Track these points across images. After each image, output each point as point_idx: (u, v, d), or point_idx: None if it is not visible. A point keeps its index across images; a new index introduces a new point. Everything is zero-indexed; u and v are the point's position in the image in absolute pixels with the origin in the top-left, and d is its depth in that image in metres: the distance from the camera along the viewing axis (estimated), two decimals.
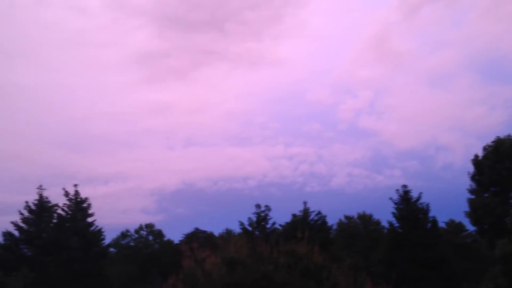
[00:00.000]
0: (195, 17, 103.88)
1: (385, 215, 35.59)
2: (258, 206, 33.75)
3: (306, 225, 31.94)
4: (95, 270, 30.08)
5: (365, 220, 44.74)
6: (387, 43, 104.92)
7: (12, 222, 29.93)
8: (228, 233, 51.85)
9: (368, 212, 45.26)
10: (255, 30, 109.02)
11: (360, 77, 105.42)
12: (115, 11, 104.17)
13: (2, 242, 30.12)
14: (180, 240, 51.09)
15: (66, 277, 28.18)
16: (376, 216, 45.16)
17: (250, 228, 33.20)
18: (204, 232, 54.18)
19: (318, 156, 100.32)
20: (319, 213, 35.60)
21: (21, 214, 30.29)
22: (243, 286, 15.90)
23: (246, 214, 34.18)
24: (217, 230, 54.57)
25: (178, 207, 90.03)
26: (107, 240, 34.79)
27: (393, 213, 33.10)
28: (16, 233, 30.03)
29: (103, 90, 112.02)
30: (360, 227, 44.36)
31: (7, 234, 29.93)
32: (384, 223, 39.34)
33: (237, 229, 36.72)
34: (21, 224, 30.11)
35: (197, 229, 54.77)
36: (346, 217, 44.92)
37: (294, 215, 35.77)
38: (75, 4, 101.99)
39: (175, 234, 72.34)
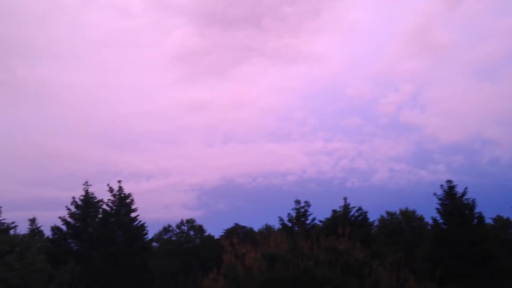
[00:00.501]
0: (234, 14, 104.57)
1: (428, 211, 34.64)
2: (297, 201, 33.56)
3: (347, 221, 31.49)
4: (139, 263, 30.80)
5: (408, 216, 43.77)
6: (430, 34, 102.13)
7: (60, 217, 31.02)
8: (268, 228, 51.97)
9: (410, 208, 44.30)
10: (293, 26, 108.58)
11: (401, 70, 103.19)
12: (156, 11, 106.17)
13: (51, 237, 31.25)
14: (220, 236, 51.58)
15: (111, 270, 29.02)
16: (419, 212, 44.16)
17: (289, 224, 33.08)
18: (244, 227, 54.50)
19: (358, 151, 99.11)
20: (360, 209, 35.03)
21: (68, 209, 31.32)
22: (283, 282, 15.89)
23: (286, 210, 34.09)
24: (256, 226, 54.84)
25: (218, 203, 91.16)
26: (150, 235, 35.52)
27: (437, 209, 32.18)
28: (64, 227, 31.06)
29: (145, 88, 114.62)
30: (402, 223, 43.46)
31: (56, 229, 31.01)
32: (428, 219, 38.40)
33: (276, 224, 36.78)
34: (69, 219, 31.14)
35: (237, 224, 55.18)
36: (388, 213, 44.09)
37: (334, 211, 35.36)
38: (119, 5, 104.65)
39: (215, 229, 73.19)
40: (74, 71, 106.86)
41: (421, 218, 43.42)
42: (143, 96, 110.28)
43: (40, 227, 34.00)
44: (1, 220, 27.62)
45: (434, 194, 32.22)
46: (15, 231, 28.38)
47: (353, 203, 35.29)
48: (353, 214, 34.85)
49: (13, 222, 28.66)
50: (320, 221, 35.14)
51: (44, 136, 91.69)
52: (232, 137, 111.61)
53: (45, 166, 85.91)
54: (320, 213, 36.46)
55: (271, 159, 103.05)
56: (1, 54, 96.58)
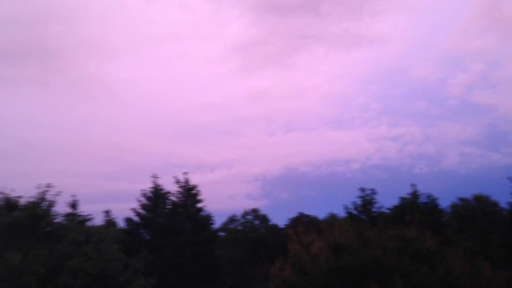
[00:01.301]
0: (290, 2, 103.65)
1: (503, 196, 32.78)
2: (362, 189, 32.81)
3: (416, 208, 30.48)
4: (207, 252, 31.64)
5: (482, 201, 41.59)
6: (500, 9, 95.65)
7: (131, 209, 32.48)
8: (332, 217, 51.36)
9: (484, 193, 42.03)
10: (353, 9, 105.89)
11: (470, 48, 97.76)
12: (213, 4, 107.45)
13: (124, 227, 32.78)
14: (285, 225, 51.84)
15: (181, 259, 30.04)
16: (493, 197, 41.82)
17: (355, 212, 32.51)
18: (308, 216, 54.33)
19: (425, 135, 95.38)
20: (429, 195, 33.76)
21: (139, 201, 32.68)
22: (349, 271, 15.68)
23: (350, 198, 33.49)
24: (321, 214, 54.59)
25: (281, 192, 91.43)
26: (216, 225, 36.29)
27: None
28: (136, 218, 32.46)
29: (205, 81, 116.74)
30: (476, 209, 41.38)
31: (128, 220, 32.48)
32: (503, 205, 36.32)
33: (341, 213, 36.23)
34: (140, 211, 32.48)
35: (301, 213, 55.12)
36: (461, 199, 42.13)
37: (402, 198, 34.28)
38: (178, 0, 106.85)
39: (279, 218, 73.58)
40: (137, 67, 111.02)
41: (496, 204, 41.13)
42: (203, 89, 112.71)
43: (114, 218, 35.81)
44: (79, 212, 29.30)
45: (508, 178, 30.44)
46: (91, 222, 30.05)
47: (422, 189, 34.05)
48: (422, 201, 33.65)
49: (89, 214, 30.35)
50: (388, 208, 34.24)
51: (114, 132, 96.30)
52: (293, 126, 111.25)
53: (116, 160, 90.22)
54: (386, 200, 35.47)
55: (334, 147, 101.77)
56: (70, 54, 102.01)
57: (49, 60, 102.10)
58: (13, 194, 22.45)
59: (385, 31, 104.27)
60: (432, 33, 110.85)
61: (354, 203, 32.74)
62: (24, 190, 22.64)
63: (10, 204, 21.94)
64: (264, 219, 52.97)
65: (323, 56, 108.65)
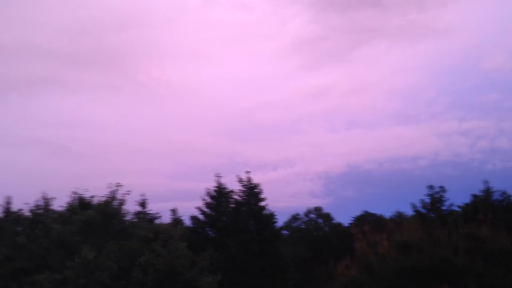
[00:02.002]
0: None
1: None
2: (431, 187, 31.42)
3: (489, 206, 28.77)
4: (271, 250, 31.79)
5: None
6: None
7: (197, 207, 33.29)
8: (399, 216, 49.84)
9: None
10: (417, 0, 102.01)
11: None
12: (272, 2, 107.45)
13: (190, 225, 33.63)
14: (349, 223, 50.92)
15: (245, 256, 30.38)
16: None
17: (423, 211, 31.33)
18: (373, 215, 53.08)
19: (499, 129, 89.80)
20: (504, 192, 31.79)
21: (204, 200, 33.42)
22: (418, 271, 15.14)
23: (418, 196, 32.23)
24: (387, 213, 53.01)
25: (345, 190, 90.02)
26: (279, 223, 36.34)
27: None
28: (201, 217, 33.22)
29: (264, 80, 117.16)
30: None
31: (194, 218, 33.30)
32: None
33: (408, 211, 35.02)
34: (204, 209, 33.21)
35: (366, 212, 53.96)
36: None
37: (474, 196, 32.54)
38: (237, 1, 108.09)
39: (343, 217, 72.38)
40: (200, 68, 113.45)
41: None
42: (264, 87, 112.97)
43: (180, 216, 36.85)
44: (147, 210, 30.39)
45: None
46: (159, 220, 31.09)
47: (496, 186, 32.16)
48: (496, 198, 31.80)
49: (157, 212, 31.43)
50: (458, 206, 32.67)
51: (179, 132, 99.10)
52: (356, 122, 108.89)
53: (181, 160, 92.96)
54: (457, 198, 33.78)
55: (399, 143, 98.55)
56: (138, 59, 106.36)
57: (119, 66, 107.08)
58: (87, 194, 23.75)
59: (452, 21, 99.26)
60: (505, 21, 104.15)
61: (422, 201, 31.49)
62: (97, 190, 23.86)
63: (84, 203, 23.19)
64: (327, 217, 52.38)
65: (387, 50, 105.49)
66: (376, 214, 53.31)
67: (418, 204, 31.63)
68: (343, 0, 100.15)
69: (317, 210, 52.78)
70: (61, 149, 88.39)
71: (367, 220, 45.43)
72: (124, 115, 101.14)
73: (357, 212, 54.68)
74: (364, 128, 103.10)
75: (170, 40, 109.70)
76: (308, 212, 52.78)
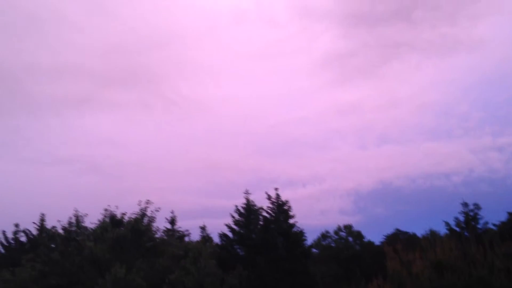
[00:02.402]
0: (380, 11, 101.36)
1: None
2: (465, 204, 30.77)
3: None
4: (301, 269, 31.37)
5: None
6: None
7: (226, 225, 33.25)
8: (433, 234, 48.43)
9: None
10: (448, 14, 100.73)
11: None
12: (302, 19, 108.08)
13: (219, 243, 33.60)
14: (380, 242, 49.93)
15: (275, 275, 30.07)
16: None
17: (457, 229, 30.48)
18: (406, 233, 51.88)
19: None
20: None
21: (233, 217, 33.38)
22: None
23: (452, 214, 31.50)
24: (419, 231, 51.53)
25: (375, 207, 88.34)
26: (309, 241, 35.92)
27: None
28: (230, 234, 33.16)
29: (294, 96, 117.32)
30: None
31: (223, 236, 33.27)
32: None
33: (442, 229, 34.14)
34: (234, 226, 33.15)
35: (397, 230, 52.82)
36: None
37: (510, 213, 31.57)
38: (266, 18, 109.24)
39: (374, 235, 70.80)
40: (230, 85, 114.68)
41: None
42: (293, 104, 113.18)
43: (209, 234, 36.90)
44: (177, 228, 30.60)
45: None
46: (189, 238, 31.25)
47: None
48: None
49: (187, 230, 31.59)
50: (494, 224, 31.65)
51: (208, 149, 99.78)
52: (387, 138, 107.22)
53: (210, 177, 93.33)
54: (493, 216, 32.73)
55: (431, 159, 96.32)
56: (168, 77, 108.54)
57: (150, 84, 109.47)
58: (118, 211, 24.15)
59: (485, 34, 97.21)
60: None
61: (456, 219, 30.75)
62: (128, 207, 24.25)
63: (116, 221, 23.56)
64: (358, 235, 51.46)
65: (417, 65, 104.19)
66: (408, 232, 52.11)
67: (452, 222, 30.90)
68: (373, 15, 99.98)
69: (347, 228, 51.95)
70: (93, 167, 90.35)
71: (399, 238, 44.49)
72: (155, 132, 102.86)
73: (389, 230, 53.58)
74: (395, 144, 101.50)
75: (201, 57, 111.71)
76: (338, 230, 52.01)
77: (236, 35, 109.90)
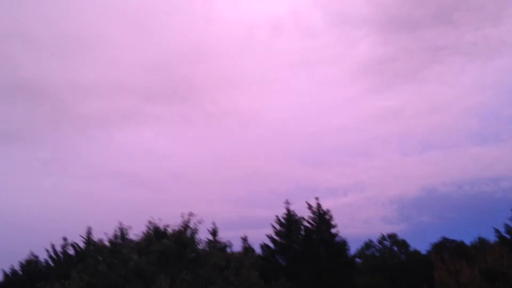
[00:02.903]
0: (420, 14, 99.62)
1: None
2: None
3: None
4: (344, 279, 30.83)
5: None
6: None
7: (267, 235, 33.21)
8: (482, 242, 46.73)
9: None
10: (491, 15, 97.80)
11: None
12: (338, 27, 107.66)
13: (261, 254, 33.54)
14: (427, 251, 48.61)
15: (318, 286, 29.70)
16: None
17: (508, 236, 29.20)
18: (453, 241, 50.25)
19: None
20: None
21: (273, 227, 33.30)
22: None
23: (501, 220, 30.18)
24: (467, 239, 49.86)
25: (420, 215, 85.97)
26: (352, 250, 35.35)
27: None
28: (271, 245, 33.07)
29: (332, 104, 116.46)
30: None
31: (264, 246, 33.23)
32: None
33: (492, 237, 32.80)
34: (275, 237, 33.06)
35: (444, 238, 51.25)
36: None
37: None
38: (303, 27, 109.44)
39: (420, 244, 68.76)
40: (269, 95, 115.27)
41: None
42: (333, 111, 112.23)
43: (251, 244, 36.90)
44: (219, 239, 30.74)
45: None
46: (230, 249, 31.33)
47: None
48: None
49: (228, 241, 31.68)
50: None
51: (248, 159, 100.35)
52: (430, 144, 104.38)
53: (251, 187, 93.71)
54: None
55: (478, 164, 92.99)
56: (207, 90, 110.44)
57: (191, 97, 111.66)
58: (161, 223, 24.58)
59: None
60: None
61: (507, 226, 29.49)
62: (171, 218, 24.64)
63: (159, 233, 23.97)
64: (403, 244, 50.27)
65: (460, 68, 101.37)
66: (456, 240, 50.48)
67: (502, 229, 29.63)
68: (412, 20, 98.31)
69: (392, 237, 50.87)
70: (137, 180, 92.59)
71: (446, 247, 43.12)
72: (195, 144, 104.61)
73: (435, 239, 52.05)
74: (440, 149, 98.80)
75: (239, 70, 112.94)
76: (382, 239, 51.00)
77: (273, 46, 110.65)
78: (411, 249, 50.01)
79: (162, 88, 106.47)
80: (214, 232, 29.76)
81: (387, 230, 66.45)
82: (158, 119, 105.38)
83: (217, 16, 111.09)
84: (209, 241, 28.89)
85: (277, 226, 33.28)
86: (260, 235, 34.09)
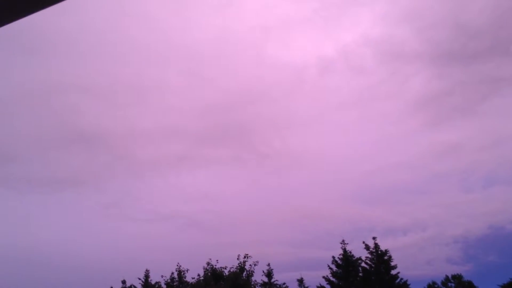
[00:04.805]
0: (475, 47, 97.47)
1: None
2: None
3: None
4: None
5: None
6: None
7: (323, 277, 32.46)
8: None
9: None
10: None
11: None
12: (390, 64, 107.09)
13: None
14: None
15: None
16: None
17: None
18: None
19: None
20: None
21: (330, 268, 32.56)
22: None
23: None
24: None
25: (488, 255, 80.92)
26: None
27: None
28: (328, 287, 32.27)
29: (389, 140, 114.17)
30: None
31: None
32: None
33: None
34: (331, 278, 32.27)
35: None
36: None
37: None
38: (354, 66, 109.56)
39: (488, 285, 64.48)
40: (322, 135, 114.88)
41: None
42: (388, 149, 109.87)
43: (307, 286, 36.17)
44: (274, 281, 30.45)
45: None
46: None
47: None
48: None
49: (284, 283, 31.29)
50: None
51: (302, 199, 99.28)
52: (494, 179, 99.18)
53: (306, 227, 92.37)
54: None
55: None
56: (260, 131, 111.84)
57: (243, 139, 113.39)
58: (218, 265, 24.79)
59: None
60: None
61: None
62: (226, 261, 24.80)
63: (216, 275, 24.13)
64: (469, 286, 47.43)
65: None
66: None
67: None
68: (468, 52, 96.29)
69: (457, 278, 48.18)
70: (192, 223, 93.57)
71: None
72: (249, 186, 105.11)
73: (504, 280, 48.62)
74: (506, 184, 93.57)
75: (290, 110, 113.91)
76: (446, 280, 48.41)
77: (324, 86, 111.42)
78: None
79: (215, 131, 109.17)
80: (269, 274, 29.57)
81: (451, 271, 63.01)
82: (212, 161, 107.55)
83: (267, 57, 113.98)
84: (264, 283, 28.69)
85: (334, 267, 32.54)
86: (317, 277, 33.40)
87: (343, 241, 33.11)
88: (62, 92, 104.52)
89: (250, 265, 23.87)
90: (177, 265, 30.86)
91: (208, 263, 24.86)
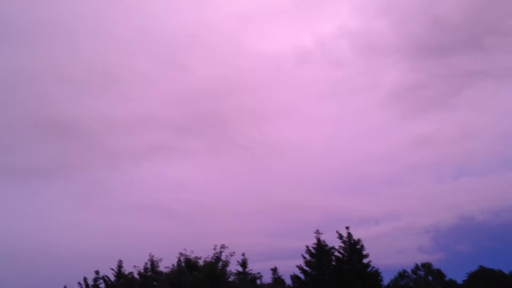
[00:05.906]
0: (449, 41, 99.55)
1: None
2: None
3: None
4: None
5: None
6: None
7: (297, 266, 32.73)
8: None
9: None
10: None
11: None
12: (366, 56, 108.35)
13: (291, 285, 33.09)
14: (463, 280, 47.05)
15: None
16: None
17: None
18: (491, 270, 48.40)
19: None
20: None
21: (304, 258, 32.84)
22: None
23: None
24: (506, 268, 47.99)
25: (457, 244, 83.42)
26: (386, 281, 34.52)
27: None
28: (302, 276, 32.56)
29: (362, 133, 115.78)
30: None
31: (295, 278, 32.74)
32: None
33: None
34: (305, 268, 32.57)
35: (482, 267, 49.42)
36: None
37: None
38: (330, 58, 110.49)
39: (456, 273, 66.33)
40: (299, 126, 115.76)
41: None
42: (364, 140, 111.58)
43: (281, 276, 36.47)
44: (248, 270, 30.59)
45: None
46: (260, 280, 31.06)
47: None
48: None
49: (258, 273, 31.47)
50: None
51: (278, 190, 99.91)
52: (465, 171, 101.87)
53: (281, 217, 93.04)
54: None
55: None
56: (237, 122, 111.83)
57: (219, 130, 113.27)
58: (193, 255, 24.71)
59: None
60: None
61: None
62: (201, 251, 24.76)
63: (191, 265, 24.07)
64: (438, 274, 48.68)
65: (493, 92, 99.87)
66: (493, 269, 48.59)
67: None
68: (442, 46, 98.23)
69: (426, 266, 49.39)
70: (167, 213, 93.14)
71: (483, 277, 41.63)
72: (225, 176, 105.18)
73: (472, 268, 50.20)
74: (475, 176, 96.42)
75: (268, 101, 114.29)
76: (416, 268, 49.57)
77: (301, 77, 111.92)
78: (447, 279, 48.41)
79: (191, 121, 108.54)
80: (244, 264, 29.67)
81: (422, 260, 64.60)
82: (187, 151, 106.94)
83: (244, 48, 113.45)
84: (239, 273, 28.79)
85: (308, 257, 32.80)
86: (291, 266, 33.66)
87: (317, 230, 33.36)
88: (35, 80, 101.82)
89: (226, 255, 23.87)
90: (150, 255, 30.67)
91: (181, 253, 24.76)
